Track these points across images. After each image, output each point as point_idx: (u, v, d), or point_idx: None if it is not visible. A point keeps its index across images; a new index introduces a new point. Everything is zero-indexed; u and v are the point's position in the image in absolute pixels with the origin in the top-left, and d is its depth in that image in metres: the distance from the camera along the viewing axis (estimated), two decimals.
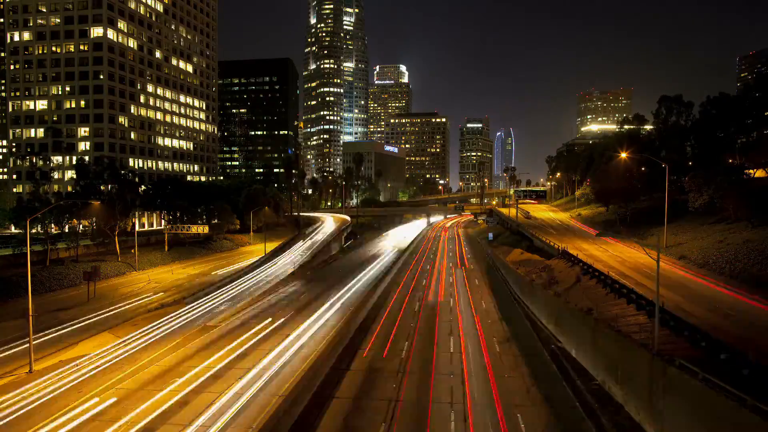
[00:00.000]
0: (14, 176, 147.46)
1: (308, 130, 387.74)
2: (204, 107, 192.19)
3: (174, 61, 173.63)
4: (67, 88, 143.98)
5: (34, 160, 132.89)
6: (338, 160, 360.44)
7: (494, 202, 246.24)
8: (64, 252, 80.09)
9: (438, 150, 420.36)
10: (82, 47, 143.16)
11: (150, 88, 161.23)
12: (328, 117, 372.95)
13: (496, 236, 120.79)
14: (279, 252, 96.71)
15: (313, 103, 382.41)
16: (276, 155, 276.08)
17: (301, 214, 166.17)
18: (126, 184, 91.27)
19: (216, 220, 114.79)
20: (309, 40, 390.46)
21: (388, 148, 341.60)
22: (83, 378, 34.08)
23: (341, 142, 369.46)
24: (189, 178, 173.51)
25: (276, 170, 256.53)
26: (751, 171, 73.92)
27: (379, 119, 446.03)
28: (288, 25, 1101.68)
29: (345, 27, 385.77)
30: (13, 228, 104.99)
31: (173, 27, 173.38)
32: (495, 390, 30.86)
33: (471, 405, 28.81)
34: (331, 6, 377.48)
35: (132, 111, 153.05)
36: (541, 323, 45.82)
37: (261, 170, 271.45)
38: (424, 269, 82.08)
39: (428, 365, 35.44)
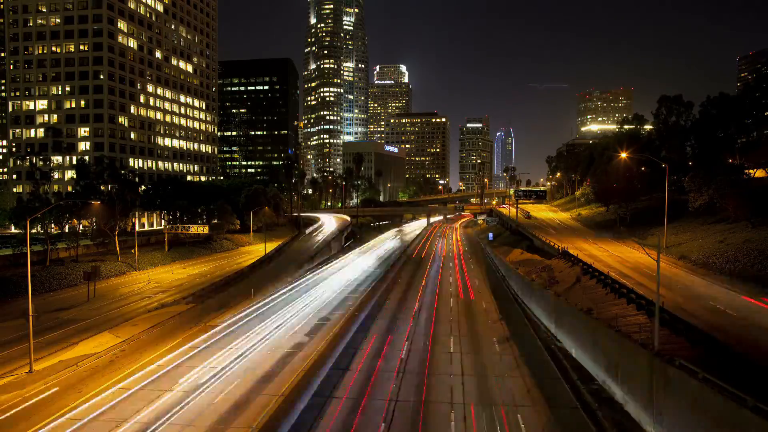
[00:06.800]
0: (14, 176, 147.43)
1: (308, 130, 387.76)
2: (204, 107, 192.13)
3: (174, 61, 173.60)
4: (67, 88, 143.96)
5: (34, 160, 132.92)
6: (338, 160, 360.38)
7: (494, 202, 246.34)
8: (64, 252, 79.99)
9: (438, 150, 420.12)
10: (82, 47, 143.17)
11: (150, 88, 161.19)
12: (328, 117, 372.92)
13: (496, 236, 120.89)
14: (279, 252, 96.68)
15: (313, 103, 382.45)
16: (276, 155, 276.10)
17: (301, 214, 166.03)
18: (126, 184, 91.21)
19: (216, 220, 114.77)
20: (309, 40, 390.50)
21: (388, 148, 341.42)
22: (83, 378, 34.08)
23: (341, 142, 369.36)
24: (189, 178, 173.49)
25: (276, 170, 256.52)
26: (750, 171, 73.96)
27: (379, 119, 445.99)
28: (288, 25, 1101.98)
29: (345, 27, 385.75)
30: (13, 228, 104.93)
31: (173, 27, 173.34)
32: (495, 390, 30.84)
33: (471, 405, 28.78)
34: (331, 6, 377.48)
35: (132, 111, 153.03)
36: (541, 323, 45.83)
37: (261, 170, 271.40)
38: (424, 268, 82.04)
39: (428, 365, 35.43)
